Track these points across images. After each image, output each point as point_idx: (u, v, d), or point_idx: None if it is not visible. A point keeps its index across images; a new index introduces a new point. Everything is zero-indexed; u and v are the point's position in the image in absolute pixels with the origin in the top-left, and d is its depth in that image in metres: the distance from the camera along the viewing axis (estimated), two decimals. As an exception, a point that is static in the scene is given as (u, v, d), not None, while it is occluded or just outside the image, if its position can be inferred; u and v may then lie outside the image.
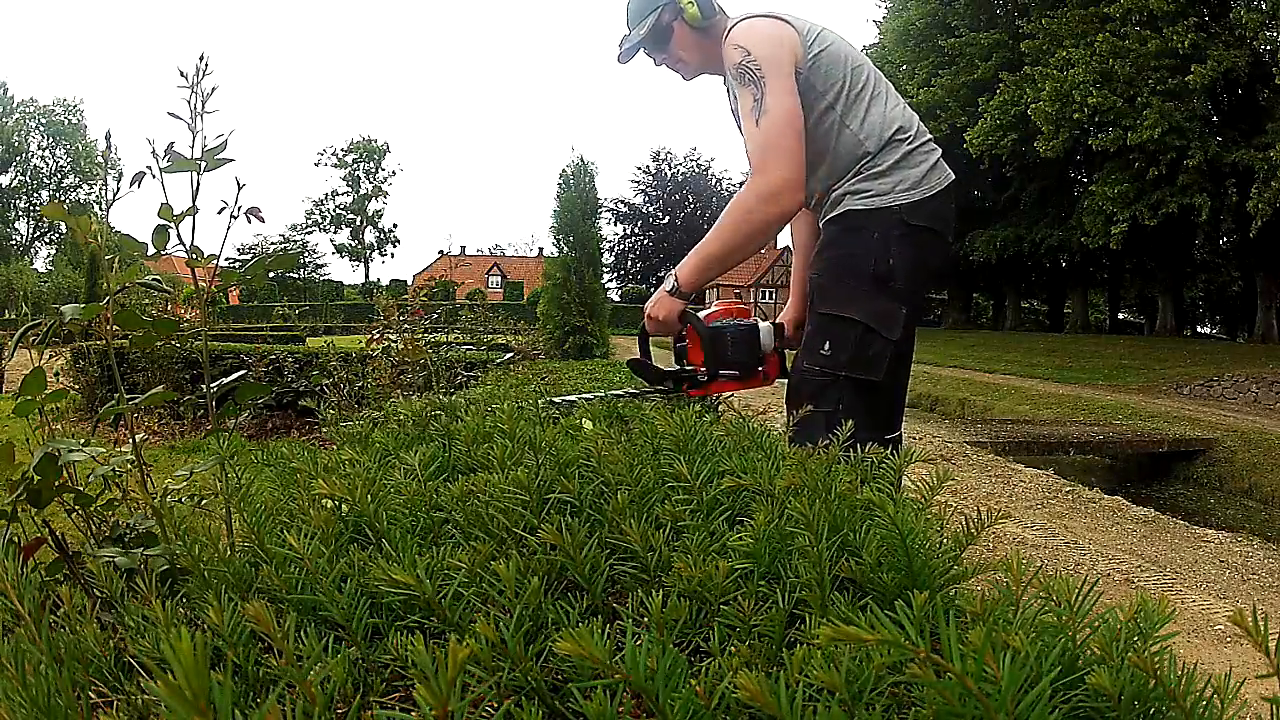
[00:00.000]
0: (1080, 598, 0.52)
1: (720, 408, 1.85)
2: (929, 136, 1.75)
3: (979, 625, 0.44)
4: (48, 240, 55.37)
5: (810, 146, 1.67)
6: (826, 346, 1.65)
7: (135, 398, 1.08)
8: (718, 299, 1.87)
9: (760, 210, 1.62)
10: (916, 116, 1.76)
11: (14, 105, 54.51)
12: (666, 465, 0.86)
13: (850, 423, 1.49)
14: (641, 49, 1.85)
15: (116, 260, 1.13)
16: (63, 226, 1.04)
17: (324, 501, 0.77)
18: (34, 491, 0.95)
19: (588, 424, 1.13)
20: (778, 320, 1.89)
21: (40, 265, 51.39)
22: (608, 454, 0.86)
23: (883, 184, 1.66)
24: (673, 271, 1.75)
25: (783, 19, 1.70)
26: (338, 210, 60.28)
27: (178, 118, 1.07)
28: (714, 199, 56.81)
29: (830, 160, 1.70)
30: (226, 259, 1.16)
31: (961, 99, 23.33)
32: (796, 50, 1.66)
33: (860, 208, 1.66)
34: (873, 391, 1.66)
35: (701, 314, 1.77)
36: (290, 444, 1.10)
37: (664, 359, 1.97)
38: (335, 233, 60.62)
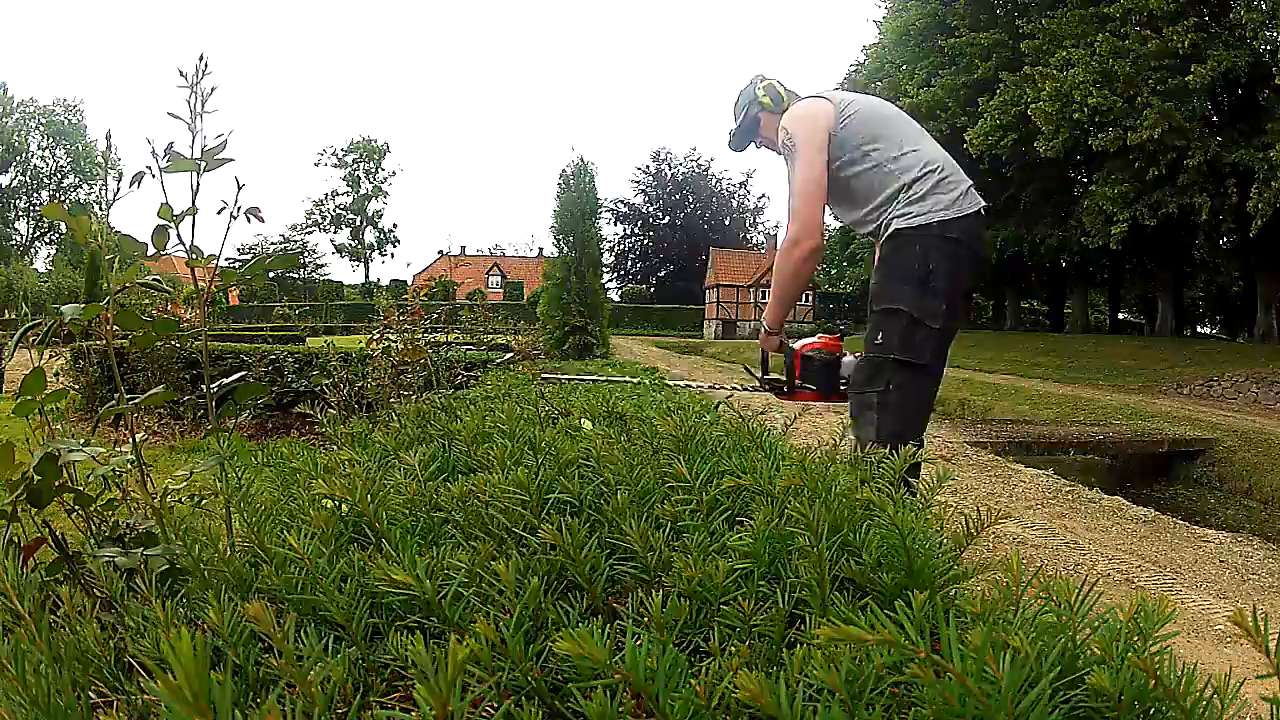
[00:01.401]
0: (1080, 598, 0.52)
1: (720, 407, 1.89)
2: (959, 170, 2.12)
3: (979, 625, 0.44)
4: (48, 240, 55.36)
5: (857, 188, 2.13)
6: (879, 336, 2.04)
7: (135, 398, 1.08)
8: (819, 333, 2.42)
9: (789, 255, 2.14)
10: (948, 156, 2.15)
11: (14, 105, 54.49)
12: (666, 465, 0.86)
13: (901, 403, 2.01)
14: (753, 142, 2.47)
15: (116, 260, 1.13)
16: (63, 226, 1.04)
17: (324, 502, 0.77)
18: (34, 491, 0.95)
19: (586, 424, 1.13)
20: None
21: (40, 265, 51.38)
22: (607, 454, 0.86)
23: (921, 207, 2.04)
24: (763, 319, 2.39)
25: (823, 96, 2.21)
26: (338, 210, 60.26)
27: (178, 118, 1.07)
28: (714, 199, 56.80)
29: (878, 197, 2.10)
30: (226, 259, 1.16)
31: (961, 99, 23.31)
32: (830, 118, 2.13)
33: (904, 227, 2.05)
34: (918, 375, 2.02)
35: (800, 343, 2.35)
36: (290, 444, 1.10)
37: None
38: (335, 233, 60.61)
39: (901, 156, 2.09)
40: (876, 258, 2.18)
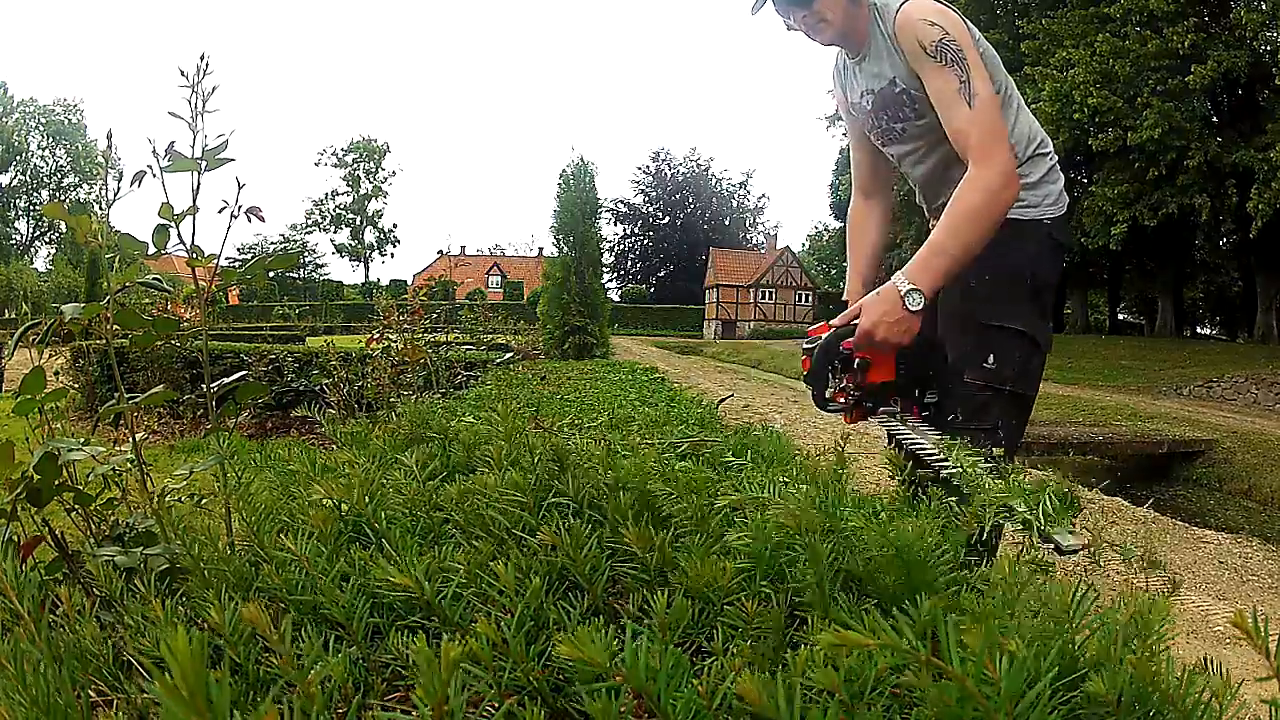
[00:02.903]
0: (1078, 599, 0.52)
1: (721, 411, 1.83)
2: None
3: (978, 627, 0.44)
4: (48, 240, 55.39)
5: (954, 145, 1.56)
6: (991, 359, 1.56)
7: (135, 397, 1.08)
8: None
9: (1000, 198, 1.46)
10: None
11: (14, 105, 54.52)
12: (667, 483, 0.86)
13: (1010, 446, 1.52)
14: (774, 3, 1.65)
15: (116, 260, 1.13)
16: (63, 226, 1.04)
17: (323, 502, 0.77)
18: (34, 490, 0.95)
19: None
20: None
21: (40, 265, 51.41)
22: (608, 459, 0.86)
23: (1034, 195, 1.61)
24: (906, 282, 1.46)
25: (952, 7, 1.59)
26: (338, 210, 60.32)
27: (178, 117, 1.07)
28: (714, 199, 56.85)
29: None
30: (226, 259, 1.16)
31: (962, 99, 23.31)
32: (969, 36, 1.55)
33: (1017, 217, 1.56)
34: (1027, 410, 1.64)
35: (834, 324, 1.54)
36: (290, 444, 1.10)
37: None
38: (335, 233, 60.68)
39: (1019, 120, 1.62)
40: None
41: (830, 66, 1.87)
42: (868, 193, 1.93)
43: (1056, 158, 1.67)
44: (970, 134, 1.50)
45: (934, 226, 1.69)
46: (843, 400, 1.51)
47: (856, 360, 1.49)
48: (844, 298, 1.86)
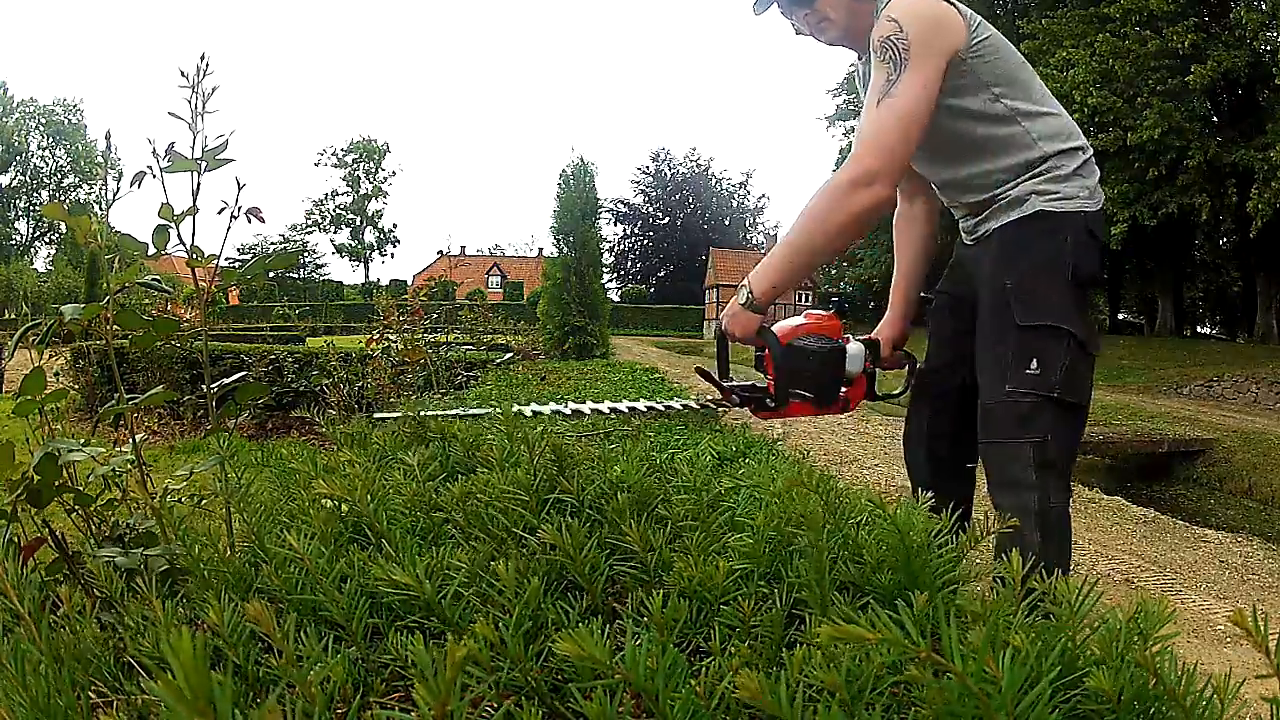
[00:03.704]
0: (1080, 598, 0.52)
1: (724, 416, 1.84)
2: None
3: (979, 625, 0.44)
4: (48, 240, 55.40)
5: (969, 136, 1.55)
6: (1034, 364, 1.44)
7: (135, 397, 1.08)
8: (808, 309, 1.65)
9: (850, 198, 1.42)
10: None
11: (14, 105, 54.54)
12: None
13: (1065, 459, 1.43)
14: (778, 3, 1.65)
15: (116, 260, 1.13)
16: (63, 226, 1.04)
17: (323, 501, 0.77)
18: (34, 491, 0.95)
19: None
20: (872, 336, 1.71)
21: (40, 265, 51.40)
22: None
23: (1068, 188, 1.52)
24: (745, 281, 1.55)
25: (959, 6, 1.53)
26: (338, 210, 60.35)
27: (178, 118, 1.07)
28: (713, 199, 56.85)
29: (992, 155, 1.55)
30: (226, 259, 1.16)
31: (961, 99, 23.32)
32: (958, 34, 1.49)
33: (1054, 209, 1.50)
34: (1080, 422, 1.51)
35: (782, 325, 1.56)
36: (290, 445, 1.10)
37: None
38: (335, 233, 60.71)
39: (1041, 117, 1.56)
40: (1000, 245, 1.57)
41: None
42: (909, 196, 1.84)
43: (1090, 154, 1.59)
44: (860, 130, 1.48)
45: (962, 237, 1.73)
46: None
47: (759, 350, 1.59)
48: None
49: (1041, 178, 1.52)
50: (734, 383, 1.59)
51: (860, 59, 1.70)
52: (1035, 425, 1.42)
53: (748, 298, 1.53)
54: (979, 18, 1.55)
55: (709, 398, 1.67)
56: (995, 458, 1.48)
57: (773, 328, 1.55)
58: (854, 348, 1.56)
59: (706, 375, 1.64)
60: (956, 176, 1.63)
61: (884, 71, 1.46)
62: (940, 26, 1.48)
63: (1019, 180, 1.54)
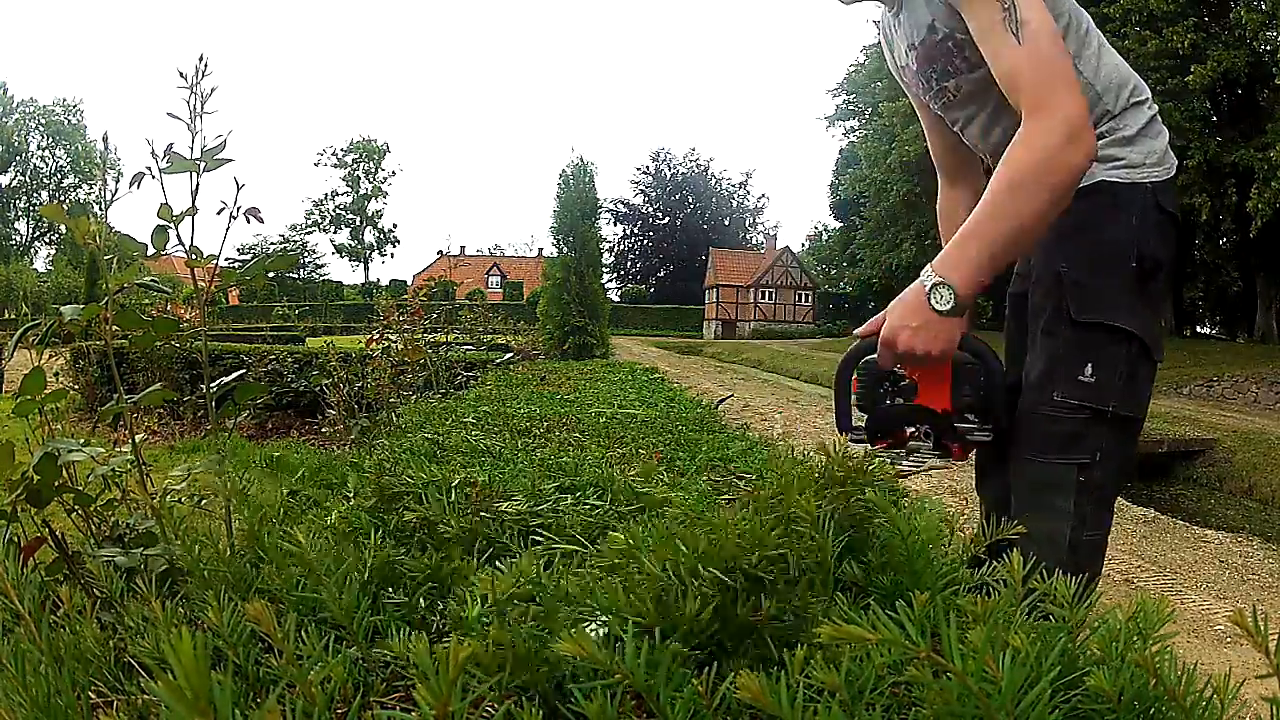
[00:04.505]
0: (1080, 598, 0.52)
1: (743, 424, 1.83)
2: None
3: (979, 625, 0.44)
4: (48, 240, 55.40)
5: None
6: (1089, 370, 1.21)
7: (134, 397, 1.08)
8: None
9: (1060, 159, 1.12)
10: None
11: (14, 105, 54.54)
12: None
13: (1113, 482, 1.19)
14: None
15: (116, 260, 1.13)
16: (63, 227, 1.04)
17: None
18: (34, 491, 0.95)
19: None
20: None
21: (40, 265, 51.42)
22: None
23: (1133, 154, 1.26)
24: (933, 275, 1.15)
25: None
26: (338, 210, 60.38)
27: (177, 118, 1.07)
28: (714, 199, 56.87)
29: None
30: (226, 259, 1.16)
31: (961, 99, 23.34)
32: None
33: (1114, 179, 1.25)
34: (1133, 439, 1.27)
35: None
36: (290, 445, 1.10)
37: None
38: (335, 233, 60.75)
39: (1102, 62, 1.28)
40: (1060, 223, 1.23)
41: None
42: (952, 177, 1.61)
43: (1156, 108, 1.32)
44: (1020, 75, 1.16)
45: None
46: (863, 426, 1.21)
47: (904, 379, 1.21)
48: None
49: (1103, 140, 1.26)
50: (861, 426, 1.23)
51: (890, 11, 1.45)
52: (1083, 444, 1.20)
53: (950, 298, 1.14)
54: None
55: (897, 460, 1.22)
56: (1029, 475, 1.25)
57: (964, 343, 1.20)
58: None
59: (852, 432, 1.24)
60: (995, 139, 1.35)
61: (988, 5, 1.17)
62: None
63: None
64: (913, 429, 1.20)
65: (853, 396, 1.23)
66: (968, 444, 1.20)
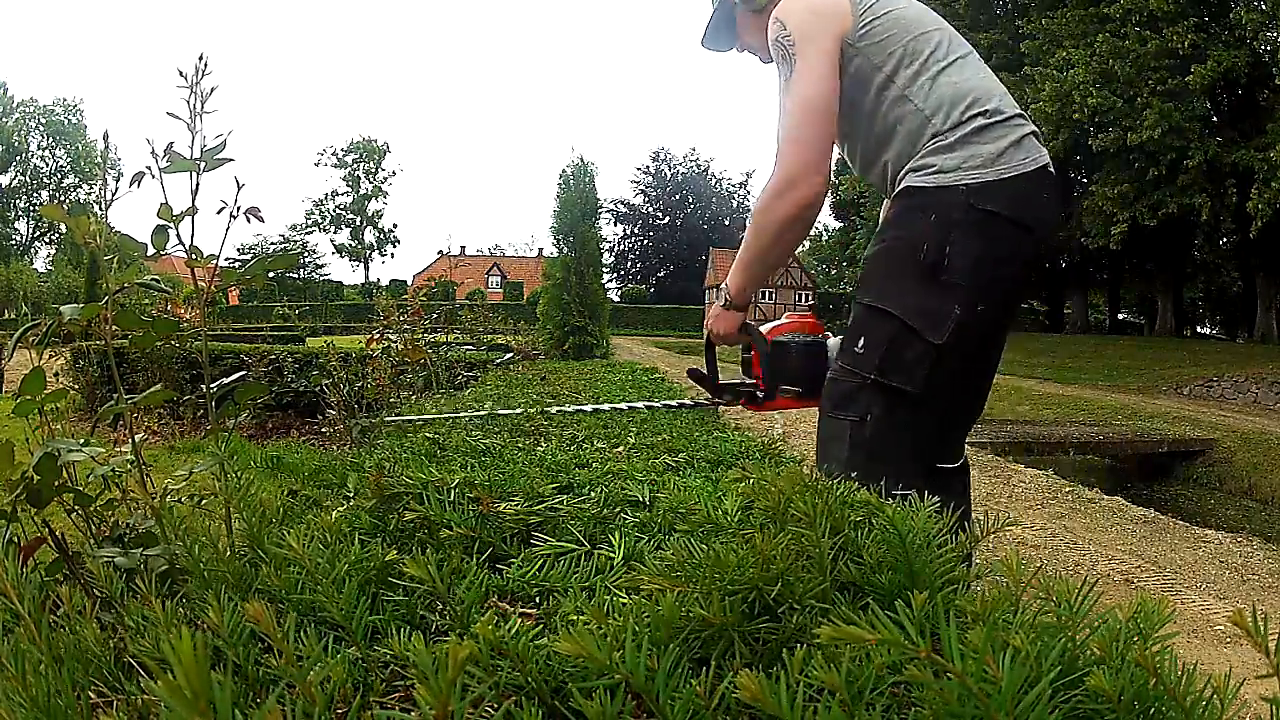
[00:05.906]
0: (1080, 598, 0.52)
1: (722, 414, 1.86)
2: (1017, 112, 1.49)
3: (979, 625, 0.44)
4: (48, 240, 55.39)
5: (872, 127, 1.52)
6: (860, 343, 1.44)
7: (134, 397, 1.08)
8: (791, 311, 1.77)
9: (774, 206, 1.47)
10: (1003, 89, 1.52)
11: (14, 105, 54.53)
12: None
13: (882, 442, 1.40)
14: (713, 48, 1.80)
15: (116, 260, 1.12)
16: (63, 227, 1.04)
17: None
18: (34, 491, 0.95)
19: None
20: None
21: (40, 265, 51.39)
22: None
23: (948, 160, 1.42)
24: (724, 284, 1.67)
25: None
26: (338, 210, 60.39)
27: (177, 118, 1.07)
28: (714, 199, 56.90)
29: (896, 141, 1.50)
30: (226, 259, 1.16)
31: (961, 99, 23.35)
32: (843, 19, 1.47)
33: (919, 184, 1.43)
34: (912, 406, 1.42)
35: (766, 327, 1.66)
36: (289, 445, 1.10)
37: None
38: (335, 233, 60.76)
39: (935, 85, 1.46)
40: (880, 224, 1.59)
41: None
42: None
43: (1010, 114, 1.47)
44: (777, 136, 1.50)
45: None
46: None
47: (749, 353, 1.71)
48: None
49: (924, 151, 1.45)
50: (723, 382, 1.74)
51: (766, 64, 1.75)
52: (854, 406, 1.44)
53: (726, 299, 1.67)
54: None
55: (704, 398, 1.81)
56: (820, 427, 1.52)
57: (763, 328, 1.67)
58: (834, 341, 1.62)
59: (698, 376, 1.77)
60: (872, 175, 1.60)
61: (782, 73, 1.50)
62: (818, 13, 1.48)
63: (903, 157, 1.49)
64: (743, 385, 1.71)
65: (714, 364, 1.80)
66: (762, 398, 1.67)
